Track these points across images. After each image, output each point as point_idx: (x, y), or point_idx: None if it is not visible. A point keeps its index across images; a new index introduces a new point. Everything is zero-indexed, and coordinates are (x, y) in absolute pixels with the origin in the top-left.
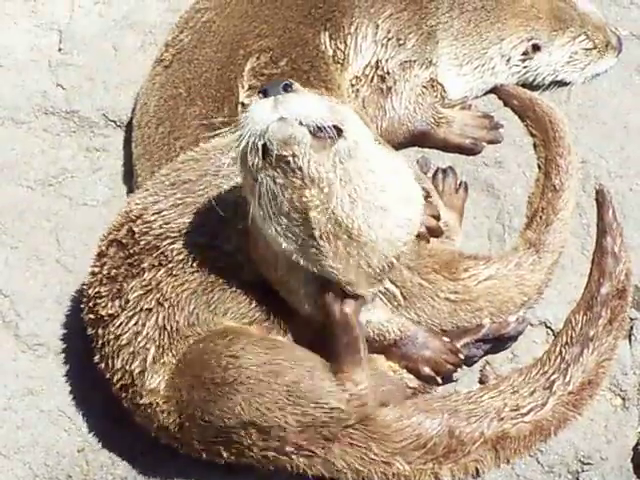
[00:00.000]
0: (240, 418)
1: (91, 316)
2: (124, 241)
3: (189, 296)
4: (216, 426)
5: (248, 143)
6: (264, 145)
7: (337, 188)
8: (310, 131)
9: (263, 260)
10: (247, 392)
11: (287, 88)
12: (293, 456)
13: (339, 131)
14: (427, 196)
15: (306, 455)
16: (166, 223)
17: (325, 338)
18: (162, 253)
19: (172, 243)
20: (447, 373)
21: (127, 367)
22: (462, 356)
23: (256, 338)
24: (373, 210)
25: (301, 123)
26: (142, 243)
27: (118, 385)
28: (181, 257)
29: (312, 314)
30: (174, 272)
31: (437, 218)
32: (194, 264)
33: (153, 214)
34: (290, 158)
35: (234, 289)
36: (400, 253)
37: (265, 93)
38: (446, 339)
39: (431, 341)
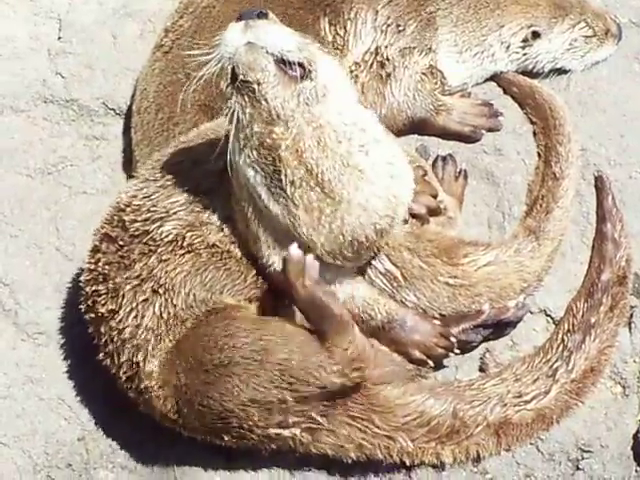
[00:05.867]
0: (239, 399)
1: (91, 314)
2: (114, 234)
3: (183, 279)
4: (215, 410)
5: (219, 65)
6: (233, 69)
7: (304, 130)
8: (275, 61)
9: (241, 215)
10: (243, 372)
11: (261, 16)
12: (295, 430)
13: (306, 71)
14: (424, 174)
15: (309, 427)
16: (154, 206)
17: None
18: (151, 238)
19: (160, 226)
20: (438, 357)
21: (133, 359)
22: (453, 339)
23: (249, 317)
24: (348, 168)
25: (267, 51)
26: (131, 230)
27: (124, 378)
28: (170, 239)
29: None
30: (164, 257)
31: (434, 197)
32: (184, 244)
33: (142, 198)
34: (255, 85)
35: (227, 266)
36: (380, 230)
37: (240, 18)
38: (437, 322)
39: (421, 324)
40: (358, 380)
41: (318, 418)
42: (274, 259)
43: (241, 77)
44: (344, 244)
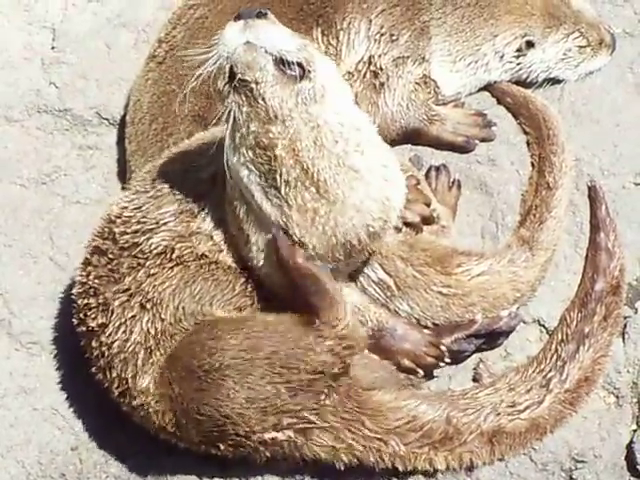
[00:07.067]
0: (235, 401)
1: (83, 328)
2: (105, 246)
3: (172, 292)
4: (212, 418)
5: (216, 64)
6: (231, 68)
7: (302, 130)
8: (274, 60)
9: (233, 216)
10: (235, 374)
11: (260, 15)
12: (290, 432)
13: (305, 71)
14: (417, 183)
15: (302, 428)
16: (144, 217)
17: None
18: (140, 250)
19: (150, 238)
20: (428, 366)
21: (122, 375)
22: (443, 349)
23: (230, 318)
24: (344, 168)
25: (266, 51)
26: (121, 242)
27: (116, 393)
28: (159, 251)
29: (271, 277)
30: (152, 271)
31: (428, 205)
32: (173, 256)
33: (133, 209)
34: (253, 85)
35: (215, 276)
36: (373, 233)
37: (239, 17)
38: (427, 331)
39: (411, 333)
40: (349, 359)
41: (311, 417)
42: (263, 261)
43: (239, 76)
44: (336, 246)
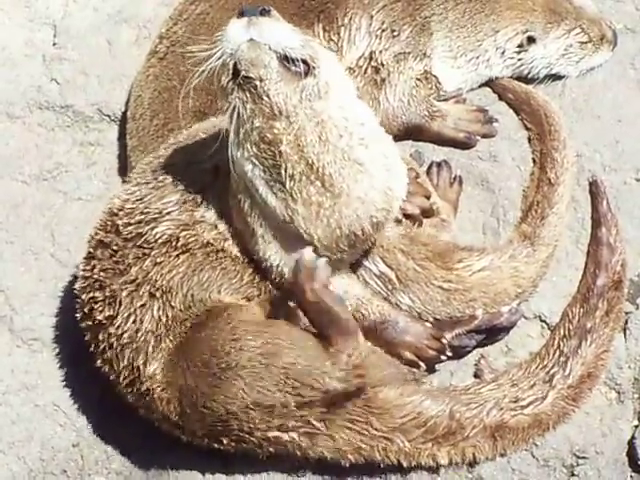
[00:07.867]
0: (243, 401)
1: (88, 322)
2: (108, 239)
3: (180, 280)
4: (218, 413)
5: (220, 61)
6: (235, 65)
7: (306, 125)
8: (278, 57)
9: (238, 210)
10: (248, 375)
11: (263, 12)
12: (294, 434)
13: (310, 67)
14: (416, 176)
15: (308, 432)
16: (146, 208)
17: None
18: (145, 240)
19: (154, 227)
20: (430, 359)
21: (133, 363)
22: (445, 341)
23: (255, 320)
24: (348, 162)
25: (270, 48)
26: (125, 234)
27: (124, 383)
28: (164, 240)
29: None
30: (158, 259)
31: (427, 198)
32: (178, 244)
33: (135, 201)
34: (257, 82)
35: (223, 265)
36: (377, 223)
37: (242, 14)
38: (428, 325)
39: (412, 326)
40: (359, 386)
41: (316, 424)
42: (270, 254)
43: (243, 73)
44: (341, 237)
